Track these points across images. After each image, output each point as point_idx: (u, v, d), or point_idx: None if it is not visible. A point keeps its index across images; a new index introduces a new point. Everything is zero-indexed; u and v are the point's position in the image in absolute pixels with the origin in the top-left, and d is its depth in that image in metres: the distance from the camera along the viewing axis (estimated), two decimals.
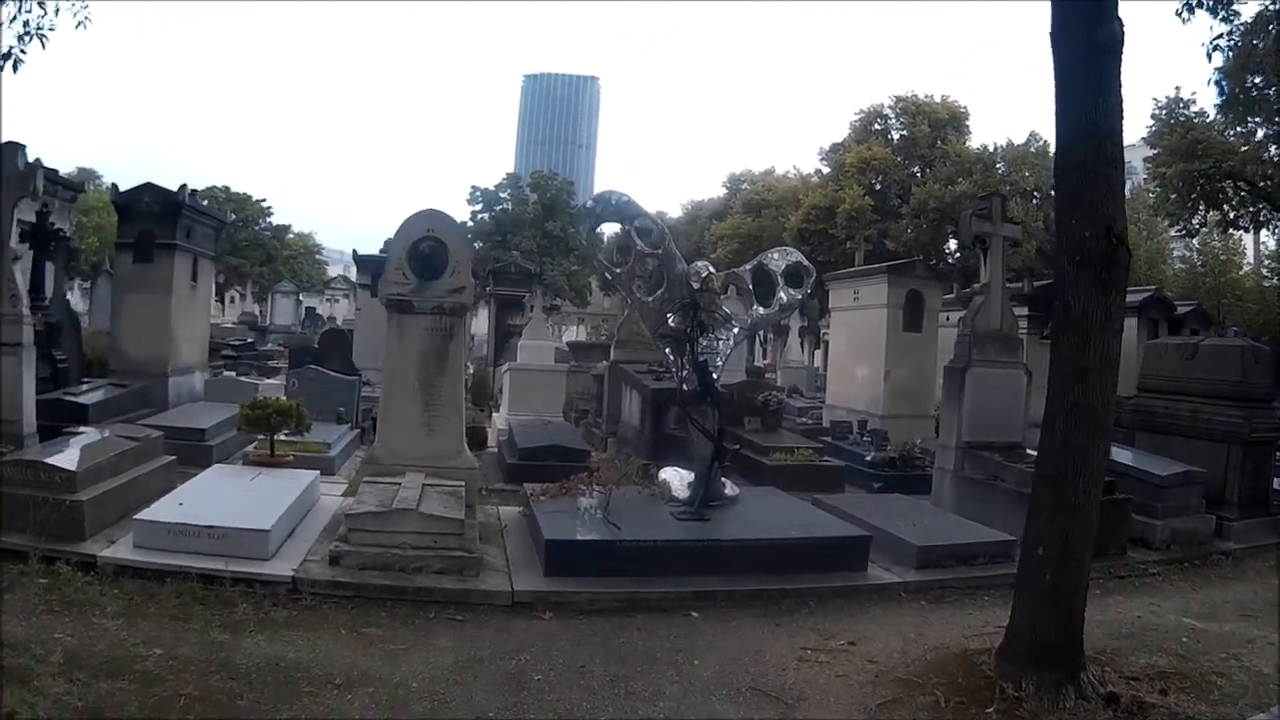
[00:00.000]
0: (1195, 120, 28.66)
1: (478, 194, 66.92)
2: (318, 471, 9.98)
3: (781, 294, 9.73)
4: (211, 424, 12.27)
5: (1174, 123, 28.59)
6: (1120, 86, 5.89)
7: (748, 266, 9.95)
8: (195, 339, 16.00)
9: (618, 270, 9.49)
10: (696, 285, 9.15)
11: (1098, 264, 5.79)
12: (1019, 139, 50.83)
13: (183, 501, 8.00)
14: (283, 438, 10.75)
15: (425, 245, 9.32)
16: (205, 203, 16.42)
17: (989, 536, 9.26)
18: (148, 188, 14.72)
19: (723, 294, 9.53)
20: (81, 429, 9.63)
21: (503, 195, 67.17)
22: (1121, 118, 5.93)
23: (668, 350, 9.47)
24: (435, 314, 9.28)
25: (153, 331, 14.49)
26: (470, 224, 65.35)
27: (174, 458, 9.78)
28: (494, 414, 18.64)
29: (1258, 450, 11.47)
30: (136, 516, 7.63)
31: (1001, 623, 6.63)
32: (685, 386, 9.43)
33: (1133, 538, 10.07)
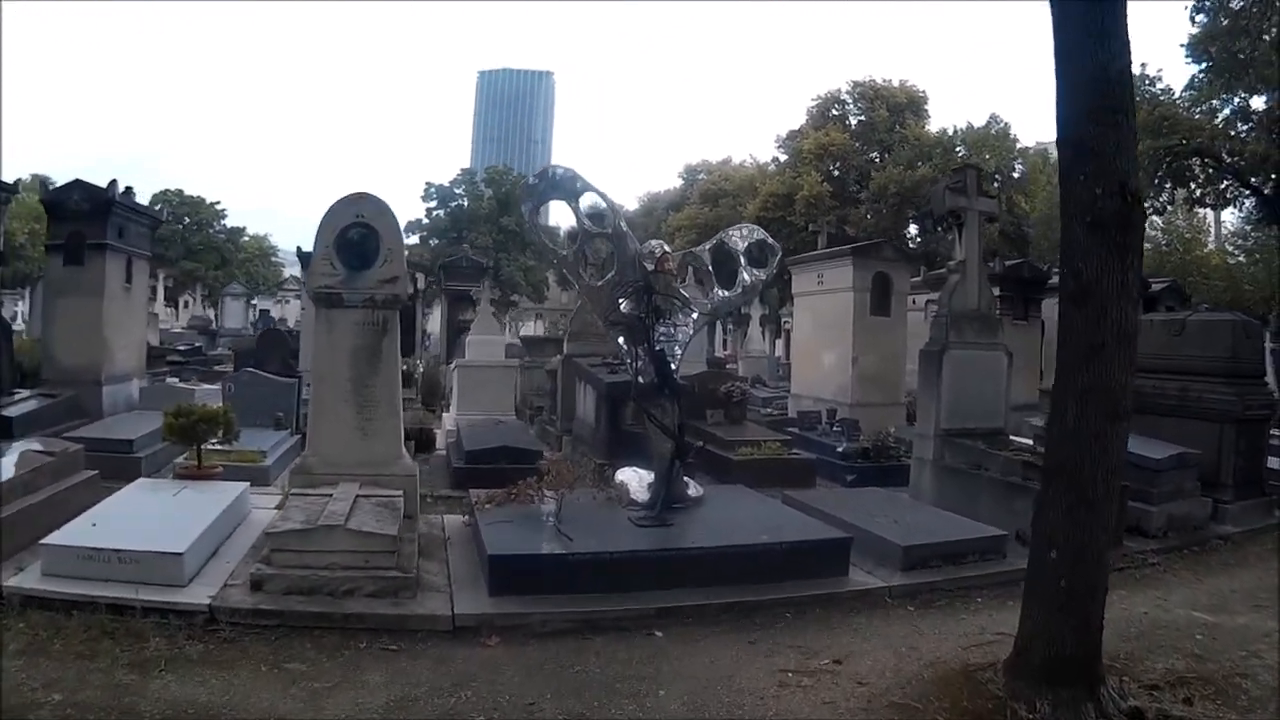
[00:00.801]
0: (1162, 97, 28.49)
1: (432, 190, 66.79)
2: (248, 483, 9.16)
3: (744, 274, 8.97)
4: (140, 434, 11.43)
5: (1141, 99, 28.29)
6: (1127, 29, 5.23)
7: (707, 246, 9.16)
8: (131, 344, 15.13)
9: (563, 253, 8.70)
10: (650, 266, 8.35)
11: (1111, 225, 5.09)
12: (979, 122, 50.95)
13: (95, 522, 7.21)
14: (215, 446, 9.98)
15: (354, 233, 8.50)
16: (137, 198, 15.37)
17: (977, 532, 8.57)
18: (76, 185, 13.95)
19: (680, 276, 8.77)
20: None
21: (458, 191, 66.88)
22: (1130, 62, 5.29)
23: (621, 340, 8.67)
24: (366, 307, 8.50)
25: (85, 337, 13.71)
26: (425, 220, 65.08)
27: (96, 472, 8.94)
28: (445, 414, 17.78)
29: (1251, 428, 10.88)
30: (44, 541, 6.85)
31: (999, 628, 6.30)
32: (641, 379, 8.60)
33: (1128, 526, 9.41)
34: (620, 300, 8.42)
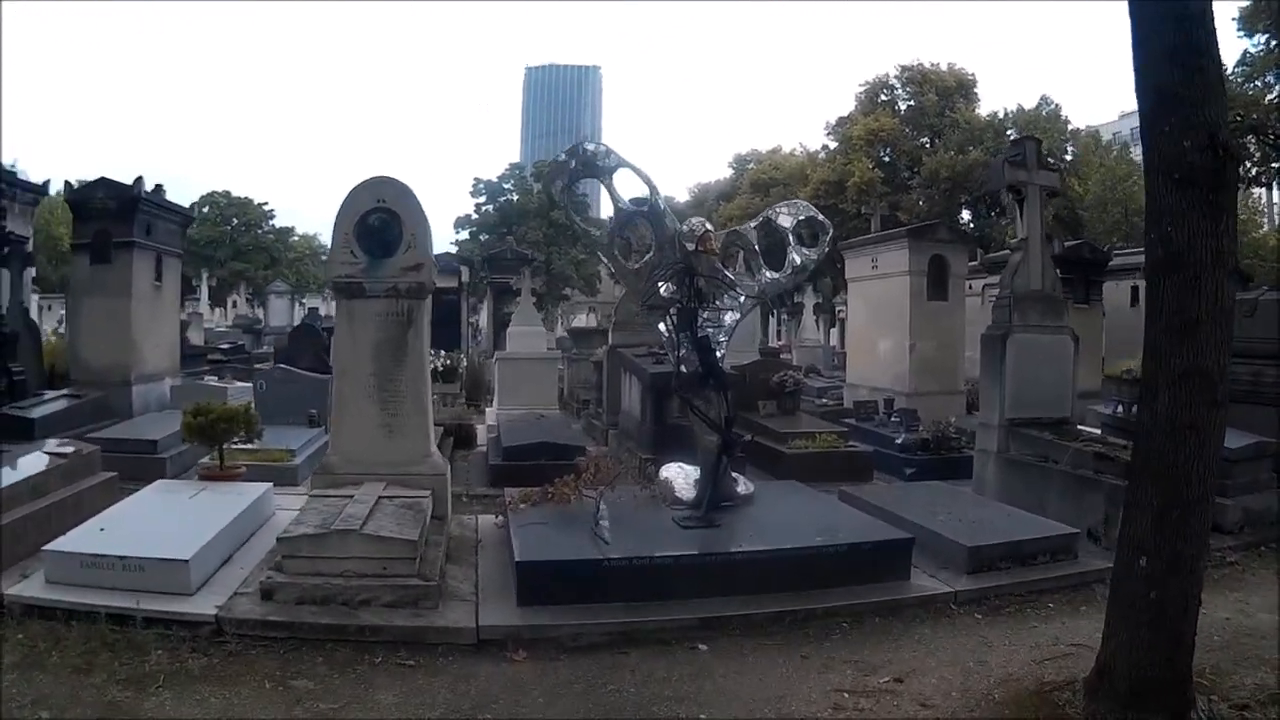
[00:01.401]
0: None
1: (481, 186, 66.55)
2: (270, 484, 8.64)
3: (793, 254, 8.35)
4: (166, 435, 11.00)
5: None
6: None
7: (753, 224, 8.54)
8: (163, 343, 14.85)
9: (596, 234, 8.15)
10: (691, 246, 7.75)
11: (1202, 182, 4.47)
12: (1029, 104, 50.07)
13: (104, 527, 6.77)
14: (241, 446, 9.65)
15: (375, 218, 8.02)
16: (171, 198, 15.14)
17: (1048, 530, 7.92)
18: (102, 183, 13.74)
19: (724, 256, 8.18)
20: (5, 447, 8.33)
21: (506, 186, 66.55)
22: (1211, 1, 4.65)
23: (661, 327, 8.11)
24: (389, 297, 8.03)
25: (113, 337, 13.47)
26: (474, 216, 64.81)
27: (114, 474, 8.53)
28: (489, 410, 17.28)
29: None
30: (47, 547, 6.42)
31: (1074, 637, 6.00)
32: (684, 368, 8.02)
33: None
34: (660, 283, 7.85)
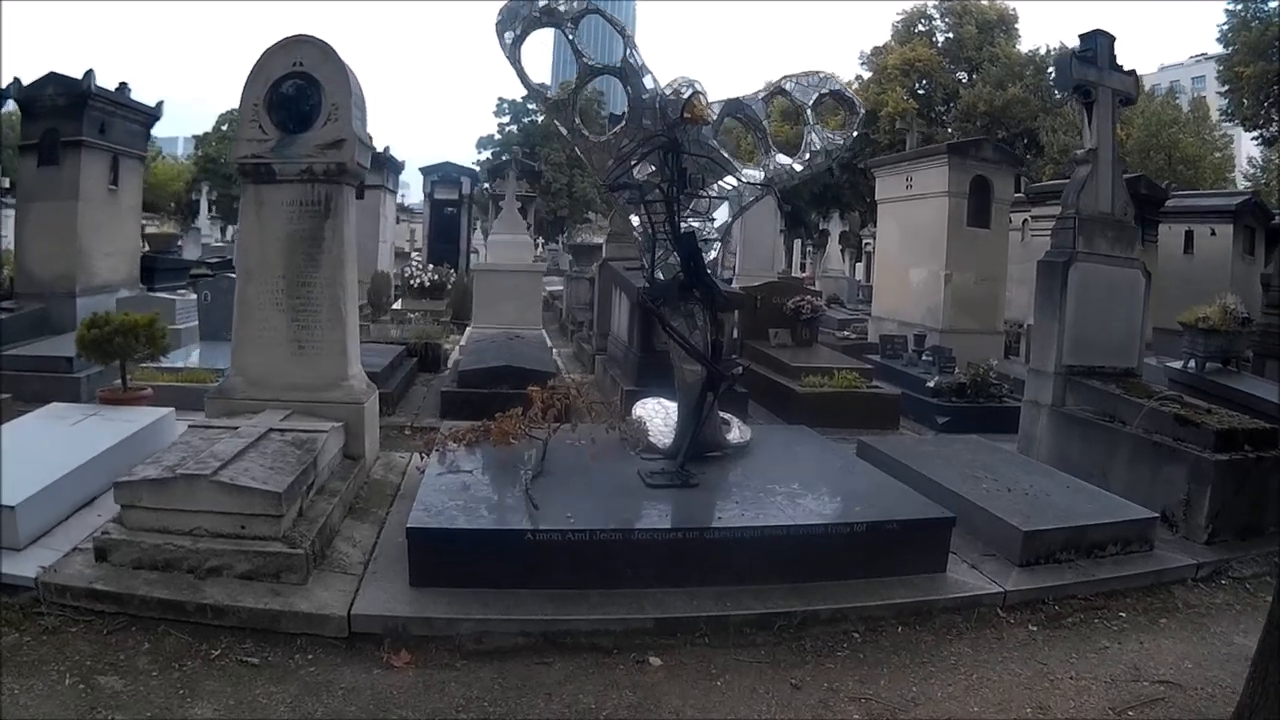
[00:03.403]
0: (1275, 18, 25.62)
1: (505, 105, 65.02)
2: (170, 410, 7.08)
3: (813, 136, 6.56)
4: None
5: (1251, 19, 25.55)
6: None
7: (760, 94, 6.74)
8: (119, 252, 13.88)
9: (549, 94, 6.39)
10: (675, 113, 5.94)
11: None
12: (1072, 42, 47.91)
13: None
14: (169, 365, 9.04)
15: (289, 86, 6.52)
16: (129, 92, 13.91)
17: (1119, 513, 6.16)
18: (51, 78, 12.68)
19: (718, 126, 6.42)
20: None
21: (530, 107, 64.81)
22: None
23: (634, 219, 6.31)
24: (304, 182, 6.50)
25: (59, 245, 12.60)
26: (498, 136, 63.30)
27: (6, 395, 7.99)
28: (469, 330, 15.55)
29: None
30: None
31: (1160, 671, 4.59)
32: (659, 274, 6.21)
33: None
34: (632, 160, 6.03)
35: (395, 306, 17.78)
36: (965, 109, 46.64)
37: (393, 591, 4.71)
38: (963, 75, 50.23)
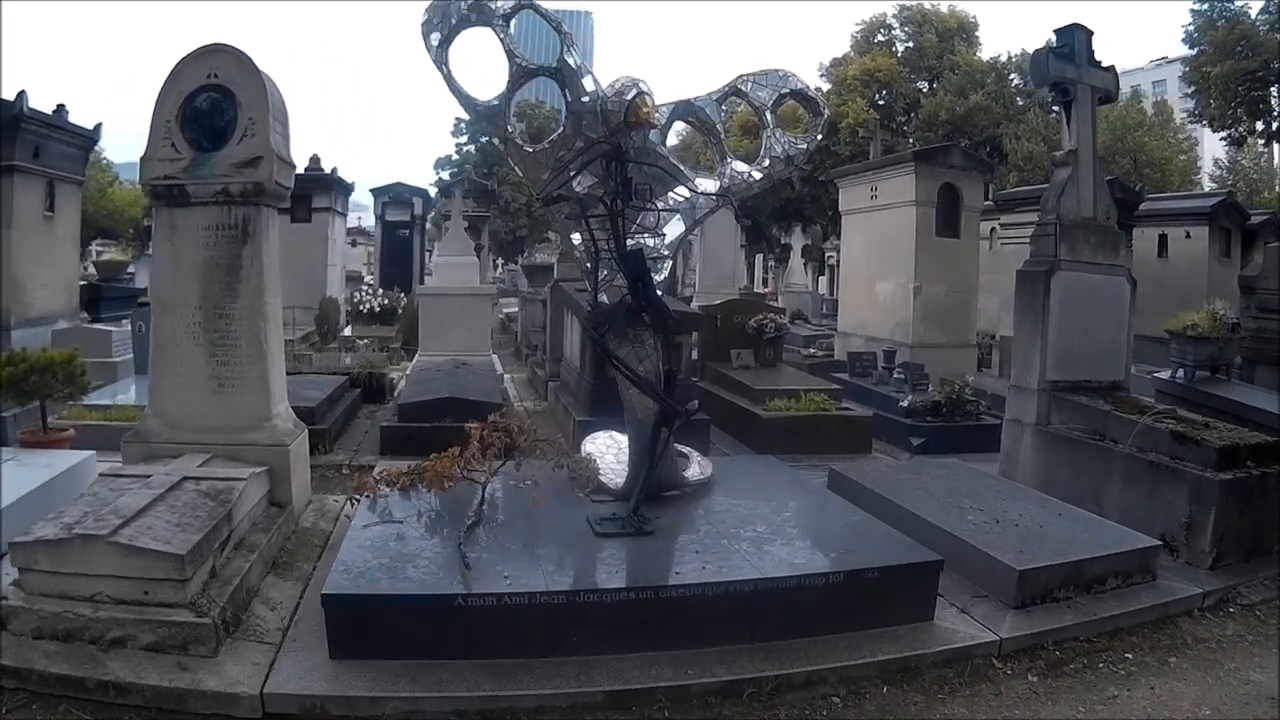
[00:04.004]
0: (1241, 16, 25.45)
1: (461, 125, 64.42)
2: (91, 453, 6.52)
3: (773, 141, 6.02)
4: None
5: (1217, 18, 25.37)
6: None
7: (715, 94, 6.18)
8: (55, 281, 13.52)
9: (479, 104, 5.77)
10: (619, 114, 5.36)
11: None
12: (1033, 47, 48.04)
13: None
14: (96, 403, 8.62)
15: (204, 99, 5.95)
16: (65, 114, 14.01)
17: (1119, 542, 5.64)
18: None
19: (666, 131, 5.88)
20: None
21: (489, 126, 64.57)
22: None
23: (575, 237, 5.71)
24: (220, 203, 5.93)
25: None
26: (455, 156, 63.02)
27: None
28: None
29: None
30: None
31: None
32: (604, 296, 5.60)
33: None
34: (570, 170, 5.42)
35: (345, 333, 17.19)
36: (927, 118, 46.42)
37: (311, 664, 4.13)
38: (923, 84, 50.20)
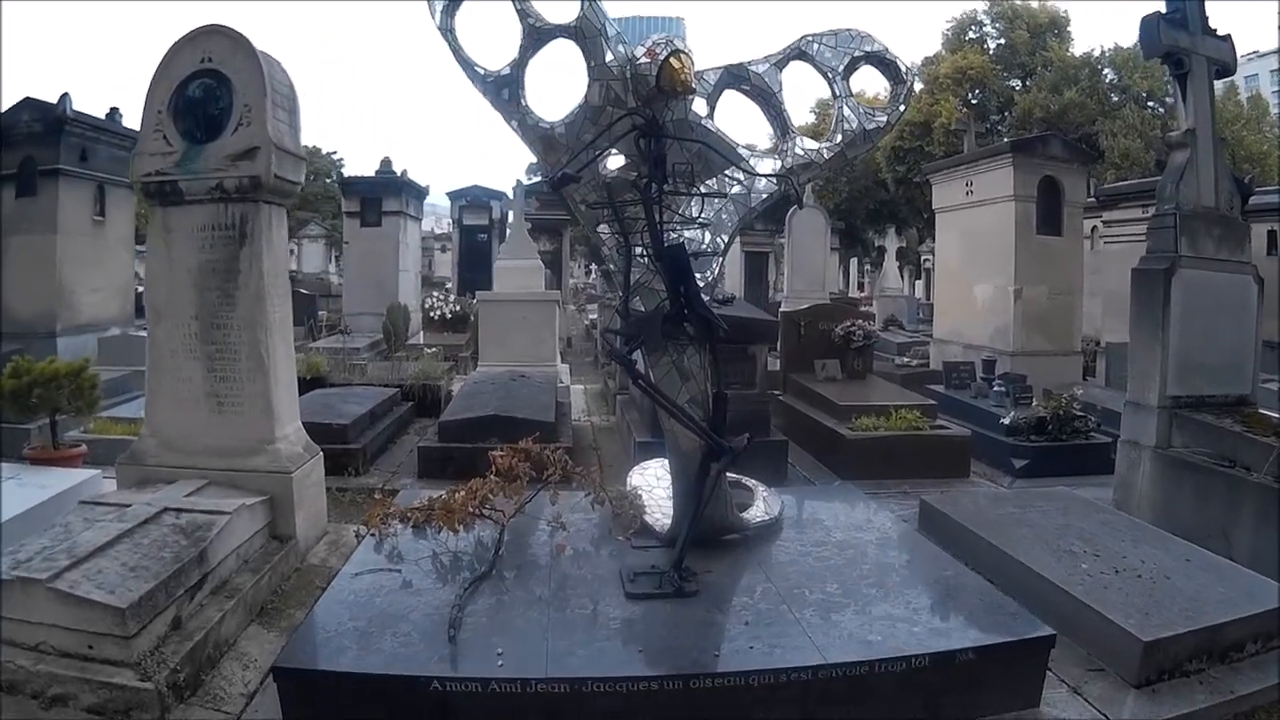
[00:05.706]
0: None
1: None
2: (97, 472, 6.05)
3: (846, 110, 5.13)
4: None
5: None
6: None
7: (775, 57, 5.26)
8: (106, 288, 13.28)
9: (481, 72, 4.91)
10: (651, 80, 4.43)
11: None
12: (1126, 42, 46.85)
13: None
14: (112, 415, 8.21)
15: (197, 87, 5.49)
16: (119, 118, 14.16)
17: (1261, 598, 4.59)
18: (26, 104, 12.31)
19: (715, 102, 5.03)
20: None
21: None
22: None
23: (602, 228, 4.83)
24: (215, 201, 5.43)
25: (39, 282, 12.13)
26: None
27: None
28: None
29: None
30: None
31: None
32: (637, 303, 4.66)
33: None
34: (596, 151, 4.54)
35: (417, 340, 16.61)
36: (1021, 116, 45.40)
37: None
38: (1016, 82, 49.21)
